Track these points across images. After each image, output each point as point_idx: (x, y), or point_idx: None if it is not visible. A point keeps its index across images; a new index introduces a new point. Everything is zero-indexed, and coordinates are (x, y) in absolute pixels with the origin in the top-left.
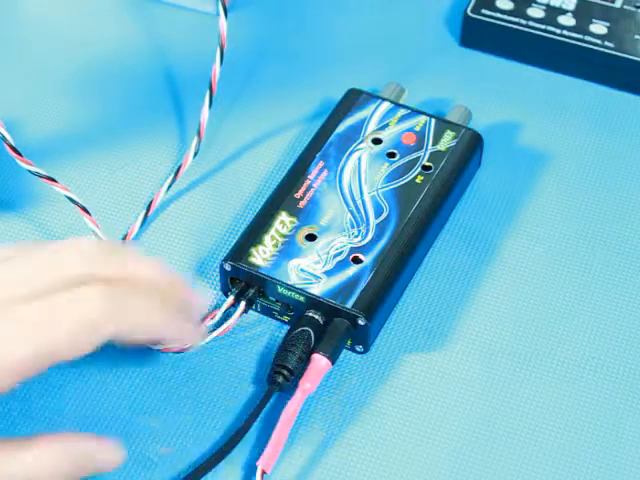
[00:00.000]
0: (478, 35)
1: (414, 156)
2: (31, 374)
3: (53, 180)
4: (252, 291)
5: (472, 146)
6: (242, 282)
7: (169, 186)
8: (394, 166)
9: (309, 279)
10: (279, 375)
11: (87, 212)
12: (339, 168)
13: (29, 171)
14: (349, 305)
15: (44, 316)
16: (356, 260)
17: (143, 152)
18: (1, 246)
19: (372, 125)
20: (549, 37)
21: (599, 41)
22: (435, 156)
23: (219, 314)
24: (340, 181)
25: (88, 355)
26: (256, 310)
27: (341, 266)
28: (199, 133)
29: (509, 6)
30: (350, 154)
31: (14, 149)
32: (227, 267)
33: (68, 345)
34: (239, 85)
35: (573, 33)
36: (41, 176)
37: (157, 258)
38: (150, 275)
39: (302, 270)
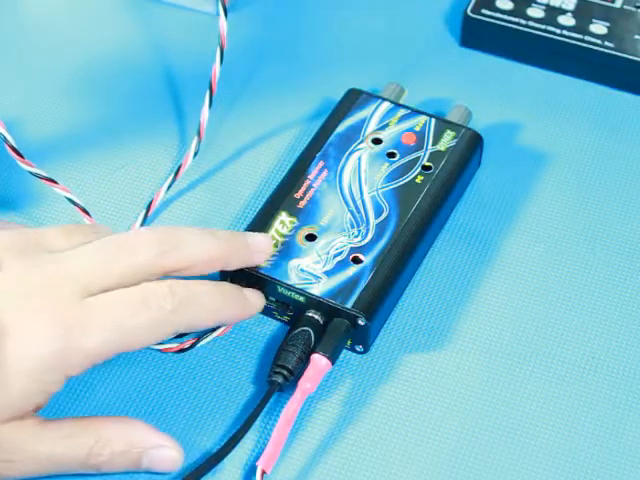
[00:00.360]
0: (478, 35)
1: (414, 156)
2: (101, 360)
3: (53, 181)
4: None
5: (472, 146)
6: (242, 282)
7: (169, 186)
8: (394, 166)
9: (309, 279)
10: (279, 375)
11: (87, 213)
12: (339, 168)
13: (29, 172)
14: (349, 305)
15: (119, 308)
16: (356, 260)
17: (143, 152)
18: (58, 230)
19: (372, 125)
20: (549, 37)
21: (599, 41)
22: (435, 156)
23: None
24: (340, 181)
25: None
26: None
27: (341, 266)
28: (199, 133)
29: (509, 6)
30: (350, 154)
31: (15, 150)
32: None
33: (141, 337)
34: (239, 85)
35: (573, 33)
36: (41, 177)
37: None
38: (208, 256)
39: (302, 270)
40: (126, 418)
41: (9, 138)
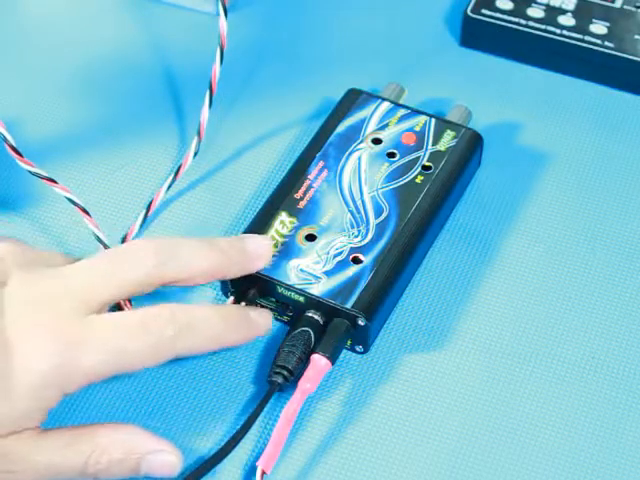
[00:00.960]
0: (478, 35)
1: (414, 156)
2: (97, 380)
3: (53, 181)
4: (252, 292)
5: (472, 146)
6: (242, 283)
7: (169, 186)
8: (394, 166)
9: (309, 279)
10: (279, 375)
11: (87, 213)
12: (339, 168)
13: (29, 172)
14: (349, 305)
15: (119, 331)
16: (356, 260)
17: (143, 152)
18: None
19: (372, 125)
20: (549, 37)
21: (599, 41)
22: (435, 156)
23: None
24: (340, 181)
25: None
26: None
27: (341, 266)
28: (199, 133)
29: (509, 6)
30: (350, 154)
31: (15, 149)
32: None
33: (139, 360)
34: (239, 85)
35: (573, 33)
36: (41, 177)
37: (208, 238)
38: (206, 267)
39: (302, 270)
40: (123, 424)
41: (9, 138)
